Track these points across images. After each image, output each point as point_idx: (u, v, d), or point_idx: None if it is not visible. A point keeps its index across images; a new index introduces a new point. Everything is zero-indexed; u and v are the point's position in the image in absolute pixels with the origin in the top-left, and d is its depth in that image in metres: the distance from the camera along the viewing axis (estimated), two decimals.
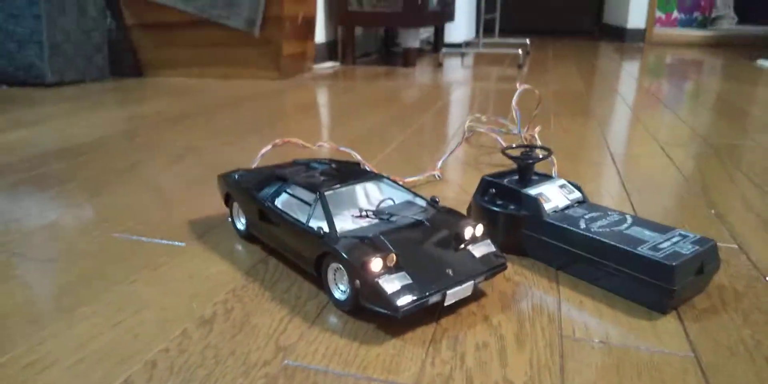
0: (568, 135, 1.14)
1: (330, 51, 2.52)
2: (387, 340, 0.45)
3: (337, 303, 0.49)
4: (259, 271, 0.56)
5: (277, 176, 0.59)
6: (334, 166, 0.62)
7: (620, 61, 2.62)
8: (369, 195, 0.59)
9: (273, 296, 0.51)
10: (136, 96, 1.62)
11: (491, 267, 0.50)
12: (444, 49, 2.68)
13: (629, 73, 2.20)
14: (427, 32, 3.24)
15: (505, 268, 0.51)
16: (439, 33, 2.96)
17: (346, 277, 0.47)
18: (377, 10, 2.29)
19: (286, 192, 0.58)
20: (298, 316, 0.48)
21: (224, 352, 0.43)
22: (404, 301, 0.44)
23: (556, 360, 0.42)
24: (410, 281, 0.46)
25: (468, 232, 0.51)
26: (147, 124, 1.25)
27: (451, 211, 0.54)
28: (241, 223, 0.63)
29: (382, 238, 0.48)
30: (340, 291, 0.49)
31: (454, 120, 1.29)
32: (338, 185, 0.55)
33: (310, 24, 2.10)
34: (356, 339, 0.45)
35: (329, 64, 2.42)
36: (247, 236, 0.63)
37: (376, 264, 0.45)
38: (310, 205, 0.54)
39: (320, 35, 2.42)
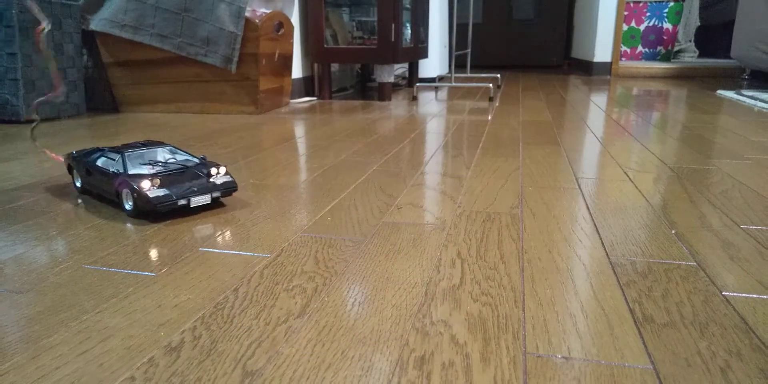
0: (534, 162, 1.18)
1: (307, 86, 2.57)
2: (354, 362, 0.45)
3: (128, 213, 0.82)
4: (228, 299, 0.56)
5: (98, 149, 0.93)
6: (143, 142, 0.94)
7: (588, 93, 2.72)
8: (158, 155, 0.91)
9: (242, 323, 0.52)
10: (111, 131, 1.63)
11: (224, 188, 0.86)
12: (418, 84, 2.74)
13: (597, 104, 2.28)
14: (402, 68, 3.32)
15: (235, 189, 0.87)
16: (413, 68, 3.05)
17: (131, 197, 0.80)
18: (352, 47, 2.36)
19: (103, 156, 0.90)
20: (267, 341, 0.48)
21: (191, 378, 0.43)
22: (161, 201, 0.78)
23: (519, 376, 0.43)
24: (168, 193, 0.80)
25: (213, 171, 0.86)
26: None
27: (210, 162, 0.90)
28: (78, 183, 0.95)
29: (155, 172, 0.84)
30: (129, 205, 0.82)
31: (429, 148, 1.32)
32: (138, 149, 0.89)
33: (287, 60, 2.15)
34: (324, 361, 0.45)
35: (306, 98, 2.46)
36: (82, 191, 0.96)
37: (145, 183, 0.79)
38: (115, 160, 0.87)
39: (297, 71, 2.47)
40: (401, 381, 0.42)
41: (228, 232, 0.76)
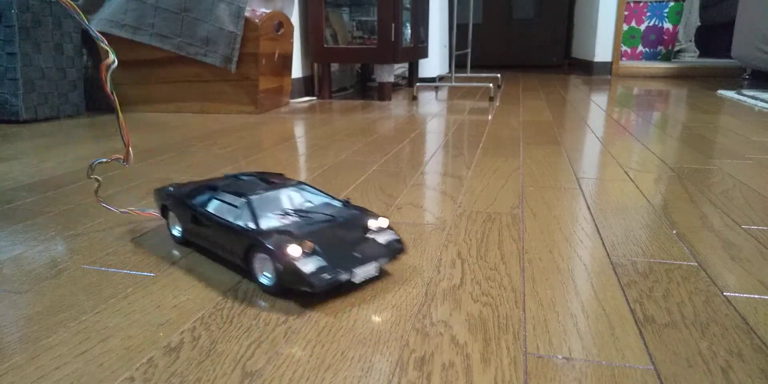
0: (535, 162, 1.18)
1: (307, 86, 2.57)
2: (354, 363, 0.45)
3: (265, 288, 0.57)
4: (228, 299, 0.56)
5: (207, 186, 0.68)
6: (260, 176, 0.71)
7: (588, 93, 2.71)
8: (292, 199, 0.66)
9: (241, 323, 0.51)
10: (110, 131, 1.62)
11: (392, 250, 0.60)
12: (418, 84, 2.74)
13: (597, 103, 2.27)
14: (402, 67, 3.32)
15: (404, 251, 0.61)
16: (413, 68, 3.04)
17: (270, 265, 0.55)
18: (352, 47, 2.36)
19: (216, 199, 0.66)
20: (266, 342, 0.48)
21: (190, 379, 0.43)
22: (319, 278, 0.53)
23: (520, 377, 0.43)
24: (324, 263, 0.55)
25: (372, 224, 0.61)
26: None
27: (360, 209, 0.65)
28: (177, 231, 0.71)
29: (300, 230, 0.58)
30: (266, 277, 0.57)
31: (429, 148, 1.32)
32: (263, 191, 0.64)
33: (286, 60, 2.14)
34: (324, 362, 0.45)
35: (306, 98, 2.46)
36: (183, 242, 0.71)
37: (293, 249, 0.54)
38: (238, 207, 0.62)
39: (297, 71, 2.47)
40: (401, 382, 0.42)
41: None
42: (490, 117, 1.89)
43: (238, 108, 2.01)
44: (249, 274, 0.62)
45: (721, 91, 2.61)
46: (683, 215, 0.82)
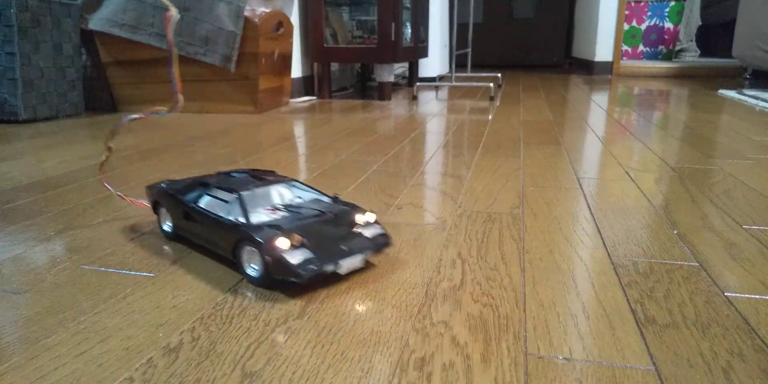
0: (536, 162, 1.17)
1: (307, 85, 2.57)
2: (354, 363, 0.45)
3: (252, 280, 0.59)
4: (227, 300, 0.56)
5: (200, 183, 0.69)
6: (252, 173, 0.72)
7: (589, 93, 2.71)
8: (282, 195, 0.67)
9: (241, 323, 0.51)
10: (109, 130, 1.62)
11: (377, 244, 0.62)
12: (418, 83, 2.74)
13: (598, 103, 2.27)
14: (402, 67, 3.32)
15: (389, 245, 0.63)
16: (413, 68, 3.04)
17: (258, 257, 0.57)
18: (352, 46, 2.35)
19: (207, 195, 0.67)
20: (266, 343, 0.48)
21: (189, 379, 0.43)
22: (305, 269, 0.55)
23: (521, 377, 0.43)
24: (311, 255, 0.57)
25: (359, 219, 0.63)
26: (120, 158, 1.25)
27: (348, 204, 0.66)
28: (167, 226, 0.72)
29: (289, 224, 0.59)
30: (253, 269, 0.59)
31: (429, 148, 1.32)
32: (254, 187, 0.65)
33: (286, 60, 2.14)
34: (323, 362, 0.45)
35: (306, 98, 2.46)
36: (173, 237, 0.72)
37: (282, 242, 0.56)
38: (229, 203, 0.64)
39: (297, 70, 2.47)
40: (401, 382, 0.42)
41: None
42: (490, 117, 1.89)
43: (238, 108, 2.00)
44: (237, 267, 0.63)
45: (722, 91, 2.60)
46: (684, 215, 0.82)
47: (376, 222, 0.65)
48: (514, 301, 0.55)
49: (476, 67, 5.34)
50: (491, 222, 0.79)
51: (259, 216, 0.62)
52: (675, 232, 0.74)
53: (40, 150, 1.35)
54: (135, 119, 0.74)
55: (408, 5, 2.57)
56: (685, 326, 0.50)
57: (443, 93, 2.74)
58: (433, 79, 3.28)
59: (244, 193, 0.64)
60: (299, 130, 1.64)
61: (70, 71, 1.88)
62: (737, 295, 0.56)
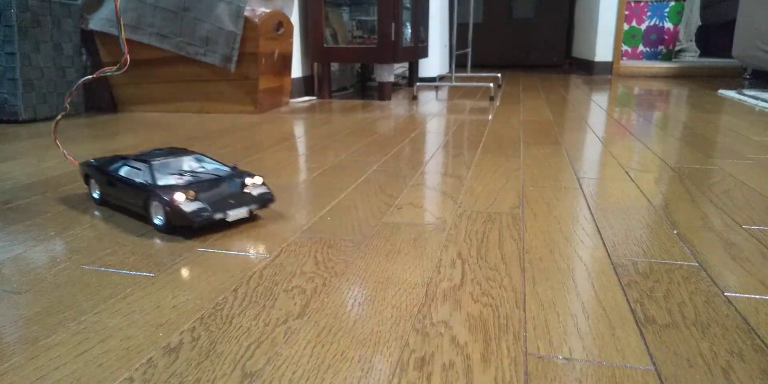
0: (535, 162, 1.18)
1: (307, 85, 2.57)
2: (354, 363, 0.45)
3: (158, 228, 0.75)
4: (227, 300, 0.56)
5: (120, 157, 0.87)
6: (168, 150, 0.87)
7: (589, 93, 2.71)
8: (189, 165, 0.84)
9: (241, 324, 0.51)
10: (109, 131, 1.62)
11: (262, 200, 0.79)
12: (418, 83, 2.74)
13: (597, 103, 2.27)
14: (402, 67, 3.32)
15: (273, 201, 0.80)
16: (413, 68, 3.04)
17: (161, 210, 0.73)
18: (352, 46, 2.36)
19: (126, 165, 0.83)
20: (266, 342, 0.48)
21: (189, 379, 0.43)
22: (197, 216, 0.71)
23: (520, 377, 0.43)
24: (203, 206, 0.73)
25: (249, 181, 0.80)
26: None
27: (243, 172, 0.82)
28: (96, 194, 0.88)
29: (187, 184, 0.76)
30: (159, 220, 0.75)
31: (429, 148, 1.32)
32: (164, 158, 0.82)
33: (286, 60, 2.14)
34: (323, 362, 0.45)
35: (306, 98, 2.46)
36: (101, 202, 0.88)
37: (179, 196, 0.72)
38: (142, 170, 0.80)
39: (297, 70, 2.47)
40: (401, 382, 0.42)
41: (227, 233, 0.76)
42: (490, 117, 1.89)
43: (238, 108, 2.00)
44: (146, 219, 0.80)
45: (721, 91, 2.60)
46: (684, 215, 0.82)
47: (263, 184, 0.82)
48: (514, 301, 0.55)
49: (476, 67, 5.34)
50: (491, 222, 0.79)
51: (166, 180, 0.78)
52: (675, 232, 0.75)
53: (41, 150, 1.35)
54: (89, 80, 0.91)
55: (408, 5, 2.57)
56: (684, 326, 0.50)
57: (443, 93, 2.74)
58: (433, 79, 3.28)
59: (154, 163, 0.80)
60: (299, 130, 1.64)
61: (70, 71, 1.88)
62: (737, 295, 0.56)
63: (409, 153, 1.28)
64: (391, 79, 2.43)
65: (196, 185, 0.76)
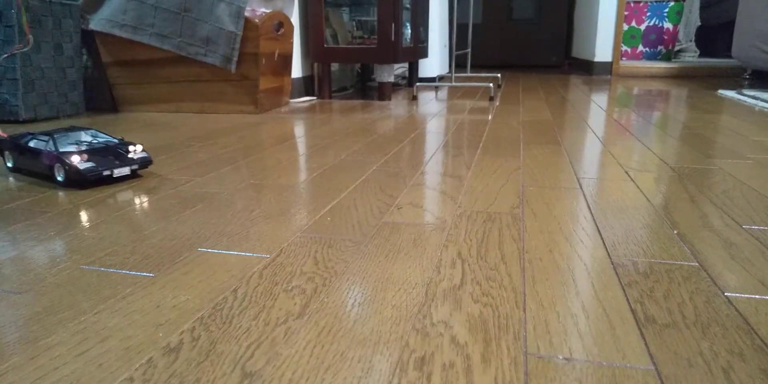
0: (535, 162, 1.18)
1: (307, 86, 2.57)
2: (354, 363, 0.45)
3: (60, 183, 1.00)
4: (227, 300, 0.56)
5: (29, 133, 1.09)
6: (69, 128, 1.09)
7: (588, 93, 2.71)
8: (84, 137, 1.08)
9: (241, 324, 0.51)
10: (110, 130, 1.62)
11: (141, 161, 1.05)
12: (418, 83, 2.74)
13: (597, 103, 2.27)
14: (402, 67, 3.32)
15: (151, 163, 1.07)
16: (413, 68, 3.04)
17: (62, 170, 0.98)
18: (352, 46, 2.36)
19: (35, 139, 1.06)
20: (266, 342, 0.48)
21: (189, 379, 0.43)
22: (90, 171, 0.97)
23: (520, 377, 0.43)
24: (94, 165, 0.98)
25: (131, 148, 1.05)
26: None
27: (128, 142, 1.07)
28: (10, 163, 1.11)
29: (81, 150, 1.00)
30: (60, 177, 0.99)
31: (429, 148, 1.32)
32: (64, 132, 1.06)
33: (286, 60, 2.14)
34: (323, 362, 0.45)
35: (306, 98, 2.46)
36: (14, 170, 1.11)
37: (75, 158, 0.97)
38: (47, 141, 1.03)
39: (297, 71, 2.47)
40: (401, 382, 0.42)
41: (227, 232, 0.76)
42: (490, 117, 1.89)
43: (238, 108, 2.00)
44: (51, 178, 1.03)
45: (721, 91, 2.61)
46: (684, 215, 0.82)
47: (143, 151, 1.07)
48: (514, 301, 0.55)
49: (476, 67, 5.34)
50: (491, 222, 0.79)
51: (67, 148, 1.02)
52: (675, 231, 0.75)
53: None
54: (8, 56, 1.08)
55: (408, 5, 2.57)
56: (685, 326, 0.50)
57: (443, 93, 2.74)
58: (432, 80, 3.28)
59: (56, 136, 1.04)
60: (299, 130, 1.64)
61: (70, 71, 1.88)
62: (737, 295, 0.56)
63: (409, 153, 1.28)
64: (391, 79, 2.43)
65: (89, 151, 1.01)
